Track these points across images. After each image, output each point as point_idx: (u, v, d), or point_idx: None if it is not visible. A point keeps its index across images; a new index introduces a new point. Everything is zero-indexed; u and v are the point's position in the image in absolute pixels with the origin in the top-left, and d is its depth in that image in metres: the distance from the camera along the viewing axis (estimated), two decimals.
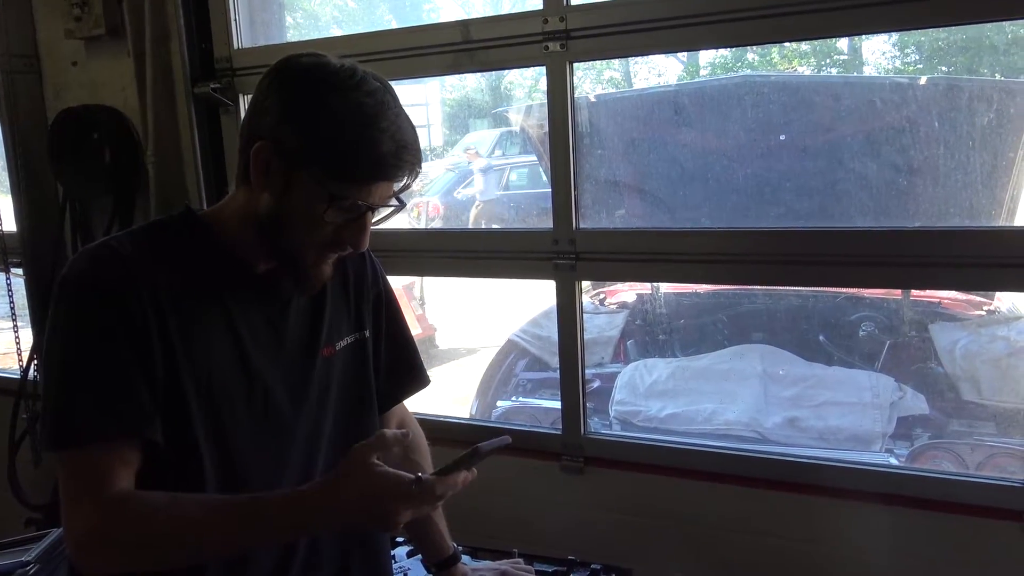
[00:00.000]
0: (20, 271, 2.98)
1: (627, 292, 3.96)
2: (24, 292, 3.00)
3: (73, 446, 1.16)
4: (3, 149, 2.92)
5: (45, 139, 2.78)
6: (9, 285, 3.03)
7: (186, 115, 2.61)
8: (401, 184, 1.21)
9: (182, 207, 1.31)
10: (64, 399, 1.16)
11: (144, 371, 1.16)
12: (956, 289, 2.96)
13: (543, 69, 2.13)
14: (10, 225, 2.97)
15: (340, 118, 1.13)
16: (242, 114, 2.62)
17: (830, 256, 1.96)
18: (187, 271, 1.23)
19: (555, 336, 2.27)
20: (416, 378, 1.57)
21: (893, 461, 2.71)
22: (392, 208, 1.23)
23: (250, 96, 2.64)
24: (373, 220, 1.23)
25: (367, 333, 1.45)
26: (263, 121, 1.18)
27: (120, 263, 1.18)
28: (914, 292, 3.33)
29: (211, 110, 2.64)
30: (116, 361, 1.15)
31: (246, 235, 1.24)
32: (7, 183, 2.95)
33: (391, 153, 1.14)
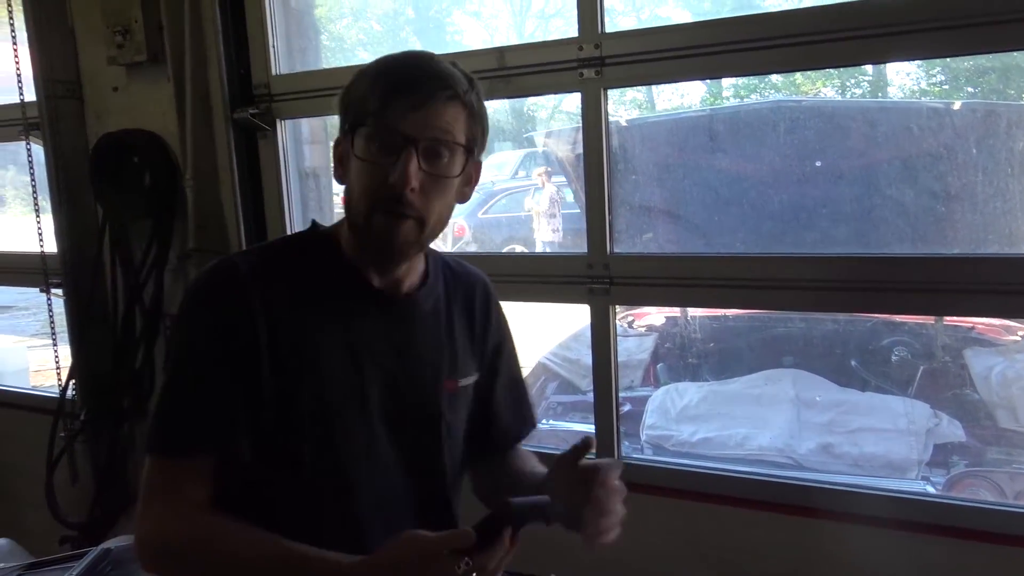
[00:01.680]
0: (60, 291, 3.03)
1: (656, 315, 3.95)
2: (64, 311, 3.05)
3: (158, 453, 1.22)
4: (45, 172, 2.98)
5: (86, 162, 2.83)
6: (49, 304, 3.09)
7: (224, 140, 2.66)
8: (426, 101, 1.18)
9: (309, 223, 1.36)
10: (162, 408, 1.23)
11: (244, 390, 1.20)
12: (996, 317, 2.92)
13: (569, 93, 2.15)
14: (51, 246, 3.03)
15: (368, 70, 1.22)
16: (280, 139, 2.67)
17: (867, 282, 1.95)
18: (308, 286, 1.26)
19: (585, 359, 2.27)
20: (531, 419, 1.57)
21: (930, 489, 2.67)
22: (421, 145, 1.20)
23: (287, 121, 2.69)
24: (434, 164, 1.21)
25: (480, 376, 1.44)
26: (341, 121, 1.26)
27: (237, 280, 1.22)
28: (948, 317, 3.30)
29: (249, 135, 2.68)
30: (214, 380, 1.20)
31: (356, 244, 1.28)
32: (48, 204, 3.01)
33: (398, 67, 1.21)
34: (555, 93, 2.21)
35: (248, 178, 2.70)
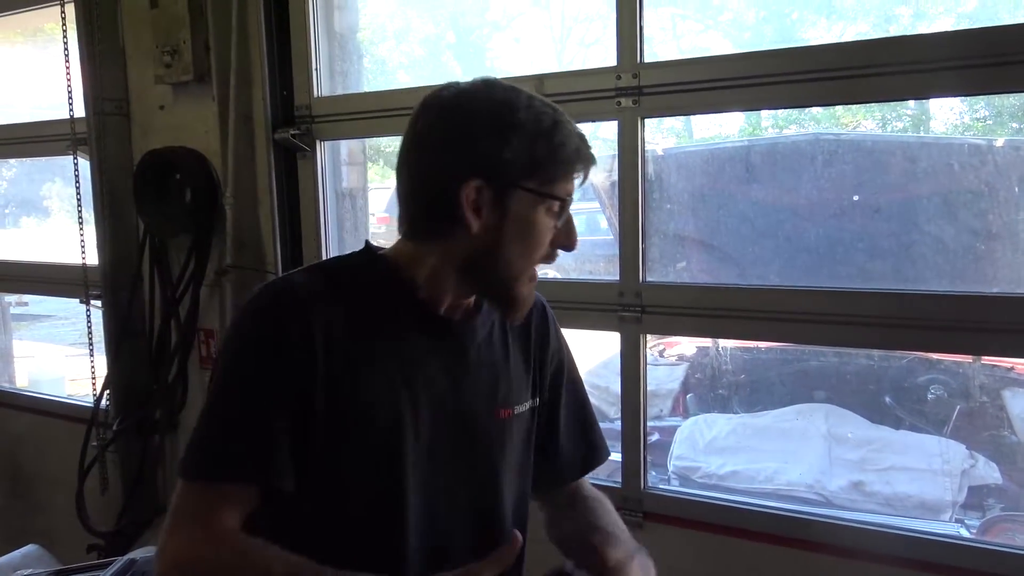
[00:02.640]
0: (99, 303, 3.09)
1: (687, 344, 3.93)
2: (102, 323, 3.11)
3: (197, 477, 1.17)
4: (91, 186, 3.05)
5: (130, 178, 2.90)
6: (88, 316, 3.15)
7: (264, 159, 2.71)
8: (587, 170, 1.23)
9: (362, 245, 1.31)
10: (206, 430, 1.19)
11: (295, 419, 1.16)
12: None
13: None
14: (93, 258, 3.10)
15: (532, 127, 1.16)
16: (319, 160, 2.71)
17: (903, 319, 1.93)
18: (365, 312, 1.22)
19: (614, 387, 2.26)
20: (597, 453, 1.48)
21: (964, 532, 2.61)
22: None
23: (327, 142, 2.73)
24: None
25: (539, 401, 1.39)
26: (455, 161, 1.17)
27: (299, 302, 1.18)
28: (986, 356, 3.24)
29: (289, 155, 2.73)
30: (265, 406, 1.15)
31: (438, 277, 1.23)
32: (91, 218, 3.08)
33: (580, 141, 1.20)
34: (593, 121, 2.22)
35: (286, 197, 2.74)
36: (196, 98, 2.79)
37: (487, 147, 1.15)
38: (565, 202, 1.20)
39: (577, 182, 1.22)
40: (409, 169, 1.21)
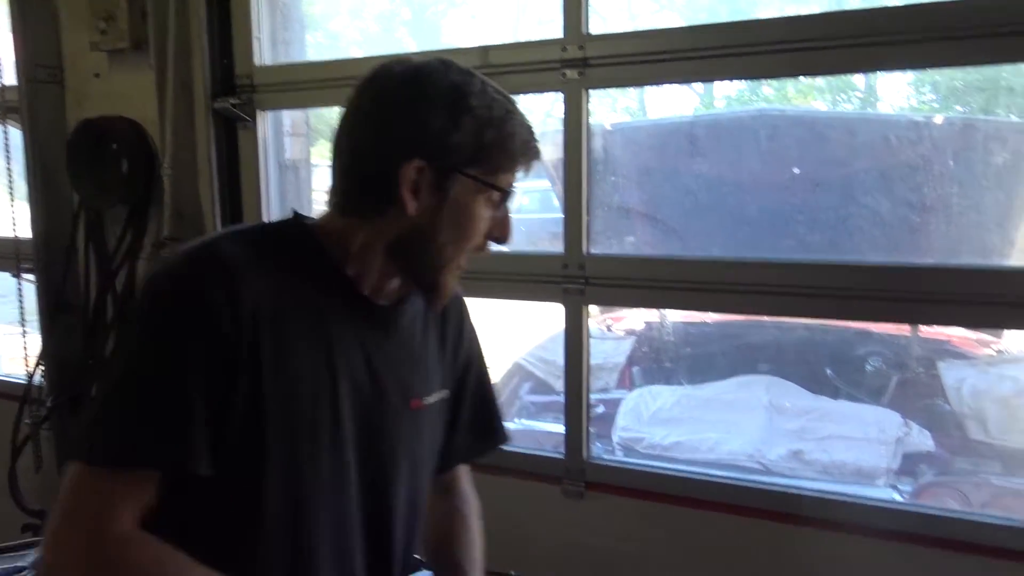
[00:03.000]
0: (32, 276, 3.00)
1: (634, 319, 3.96)
2: (35, 298, 3.02)
3: (95, 462, 1.05)
4: (23, 156, 2.95)
5: (64, 147, 2.81)
6: (20, 291, 3.05)
7: (204, 129, 2.64)
8: (530, 164, 1.21)
9: (290, 214, 1.24)
10: (109, 408, 1.09)
11: (211, 400, 1.07)
12: (966, 326, 2.95)
13: (558, 96, 2.15)
14: (25, 232, 3.00)
15: (483, 114, 1.13)
16: (260, 130, 2.65)
17: (840, 289, 1.96)
18: (295, 285, 1.15)
19: (561, 360, 2.27)
20: (495, 437, 1.48)
21: (897, 497, 2.69)
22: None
23: (269, 112, 2.68)
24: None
25: (447, 393, 1.36)
26: (397, 139, 1.12)
27: (223, 271, 1.09)
28: (923, 329, 3.33)
29: (229, 126, 2.67)
30: (179, 386, 1.06)
31: (367, 254, 1.17)
32: (24, 190, 2.98)
33: (529, 139, 1.17)
34: (537, 92, 2.21)
35: (227, 169, 2.68)
36: (133, 66, 2.70)
37: (435, 128, 1.11)
38: (506, 193, 1.17)
39: (520, 175, 1.20)
40: (350, 141, 1.16)
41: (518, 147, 1.16)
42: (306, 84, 2.55)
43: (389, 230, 1.16)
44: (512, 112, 1.16)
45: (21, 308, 3.08)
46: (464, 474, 1.50)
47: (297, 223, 1.22)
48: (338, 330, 1.18)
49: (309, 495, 1.16)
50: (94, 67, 2.79)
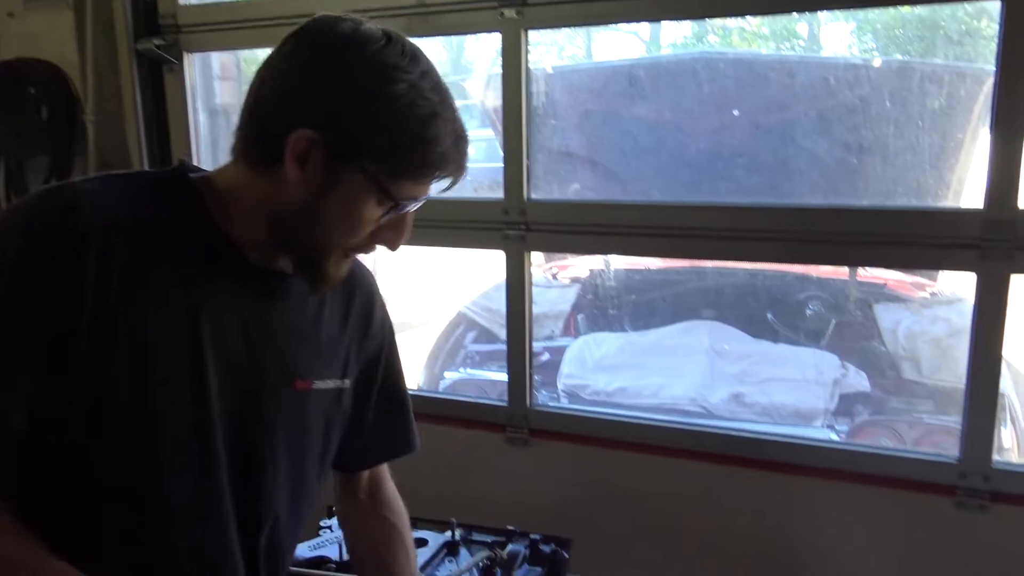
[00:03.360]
0: None
1: (579, 267, 3.95)
2: None
3: None
4: None
5: None
6: None
7: (128, 72, 2.53)
8: (451, 180, 1.06)
9: (177, 162, 1.12)
10: None
11: (45, 346, 0.97)
12: (901, 268, 3.00)
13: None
14: None
15: (404, 109, 0.98)
16: (187, 73, 2.55)
17: (779, 232, 1.97)
18: (160, 236, 1.03)
19: (504, 308, 2.25)
20: (404, 443, 1.37)
21: (834, 436, 2.75)
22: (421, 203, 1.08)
23: (196, 55, 2.57)
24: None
25: (347, 383, 1.24)
26: (302, 101, 1.00)
27: (71, 210, 0.98)
28: (860, 273, 3.38)
29: (154, 68, 2.55)
30: (8, 326, 0.96)
31: (249, 215, 1.05)
32: None
33: (452, 146, 1.02)
34: (475, 32, 2.15)
35: (154, 114, 2.58)
36: (50, 5, 2.58)
37: (344, 105, 0.98)
38: (400, 206, 1.03)
39: (435, 187, 1.06)
40: (262, 86, 1.04)
41: (434, 157, 1.01)
42: (235, 24, 2.44)
43: (276, 195, 1.03)
44: (440, 116, 1.00)
45: None
46: (385, 477, 1.40)
47: (179, 173, 1.09)
48: (210, 292, 1.06)
49: (161, 460, 1.04)
50: (7, 6, 2.65)
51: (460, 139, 1.03)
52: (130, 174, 1.11)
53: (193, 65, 2.56)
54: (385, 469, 1.40)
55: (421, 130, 0.99)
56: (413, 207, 1.05)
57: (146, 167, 2.56)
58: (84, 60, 2.53)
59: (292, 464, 1.17)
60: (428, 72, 1.01)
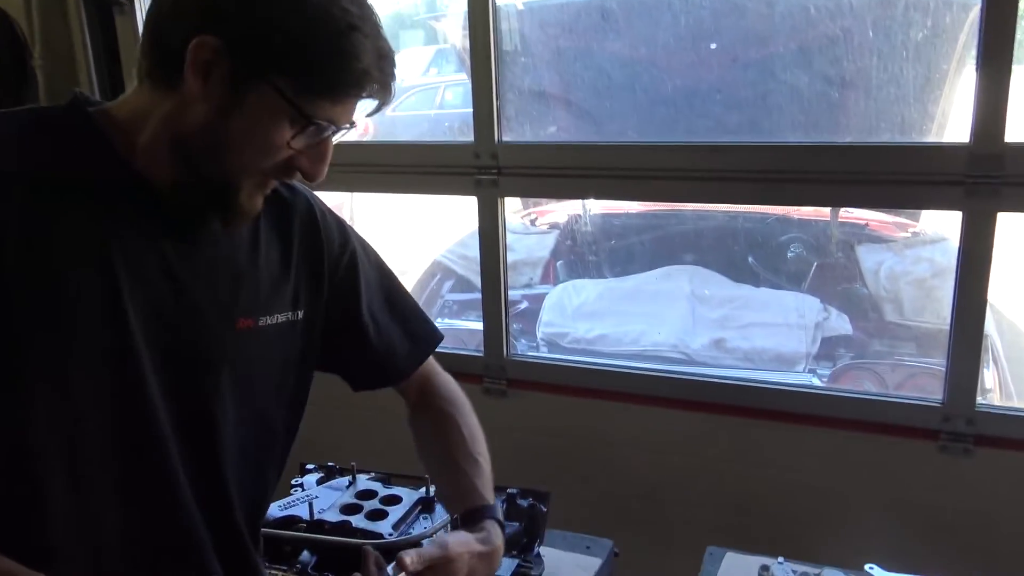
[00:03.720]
0: None
1: (558, 212, 3.88)
2: None
3: None
4: None
5: None
6: None
7: (76, 14, 2.40)
8: (376, 104, 0.98)
9: (70, 94, 1.00)
10: None
11: None
12: (885, 207, 2.94)
13: None
14: None
15: (318, 17, 0.90)
16: (139, 14, 2.42)
17: (760, 172, 1.90)
18: (59, 177, 0.93)
19: None
20: (427, 339, 1.33)
21: (816, 381, 2.71)
22: (346, 130, 0.98)
23: None
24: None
25: (300, 314, 1.15)
26: (204, 5, 0.90)
27: None
28: (842, 213, 3.32)
29: (104, 9, 2.43)
30: None
31: (155, 145, 0.96)
32: None
33: (374, 64, 0.93)
34: None
35: (105, 57, 2.45)
36: None
37: (250, 11, 0.89)
38: (319, 128, 0.94)
39: (359, 111, 0.97)
40: None
41: (353, 74, 0.92)
42: None
43: (179, 117, 0.94)
44: (359, 31, 0.91)
45: None
46: (433, 373, 1.37)
47: (74, 107, 0.98)
48: (125, 237, 0.96)
49: (84, 431, 0.95)
50: None
51: (384, 58, 0.94)
52: (16, 112, 0.99)
53: (144, 5, 2.43)
54: (430, 364, 1.36)
55: (337, 42, 0.91)
56: (333, 133, 0.96)
57: None
58: (29, 3, 2.39)
59: (247, 409, 1.10)
60: None
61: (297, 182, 1.10)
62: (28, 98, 2.48)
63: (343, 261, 1.22)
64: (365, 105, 0.98)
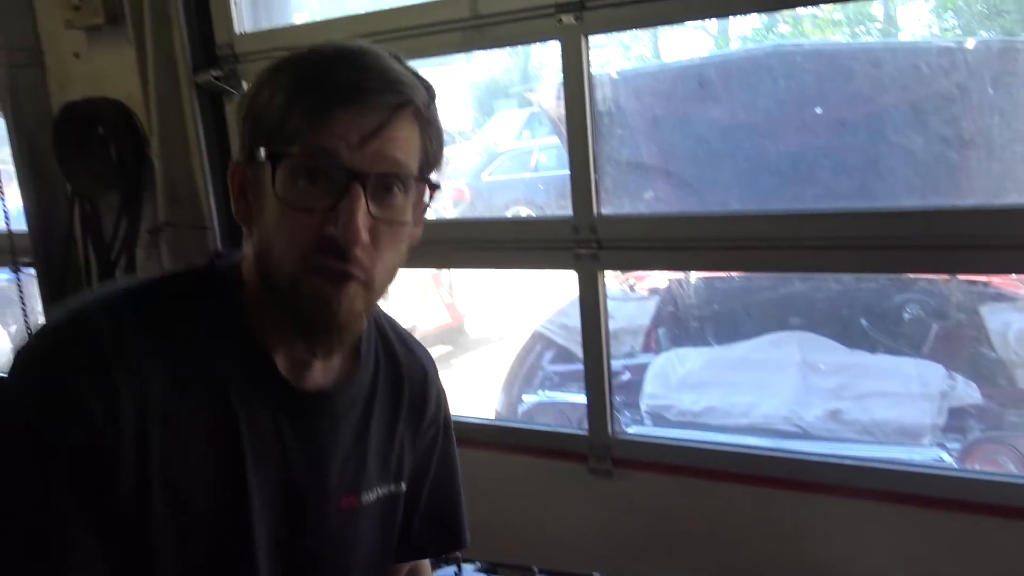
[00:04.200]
0: (32, 271, 2.92)
1: (657, 277, 3.82)
2: (37, 293, 2.94)
3: None
4: (9, 145, 2.86)
5: (50, 134, 2.70)
6: (19, 284, 2.97)
7: (189, 105, 2.52)
8: (376, 124, 0.87)
9: (207, 259, 0.99)
10: None
11: (96, 522, 0.86)
12: (1017, 273, 2.76)
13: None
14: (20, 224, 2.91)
15: (286, 75, 0.89)
16: None
17: (874, 239, 1.80)
18: (192, 365, 0.92)
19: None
20: (454, 539, 1.26)
21: (945, 457, 2.53)
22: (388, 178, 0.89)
23: None
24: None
25: (403, 486, 1.12)
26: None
27: (98, 358, 0.86)
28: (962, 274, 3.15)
29: (215, 99, 2.54)
30: (53, 510, 0.85)
31: (259, 297, 0.95)
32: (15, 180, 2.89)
33: (328, 67, 0.88)
34: (533, 42, 2.05)
35: (216, 146, 2.56)
36: (112, 42, 2.58)
37: (247, 111, 0.91)
38: (298, 158, 0.86)
39: (363, 140, 0.86)
40: None
41: (324, 95, 0.86)
42: (289, 51, 2.40)
43: (252, 248, 0.95)
44: (340, 57, 0.89)
45: (22, 301, 3.00)
46: (425, 566, 1.30)
47: (210, 274, 0.98)
48: (250, 417, 0.94)
49: None
50: (73, 46, 2.68)
51: (306, 78, 0.88)
52: (153, 287, 0.98)
53: None
54: (425, 562, 1.29)
55: (273, 90, 0.88)
56: (351, 178, 0.85)
57: (212, 200, 2.54)
58: (147, 96, 2.52)
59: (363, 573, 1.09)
60: (340, 43, 0.91)
61: (417, 347, 1.11)
62: (147, 186, 2.60)
63: (435, 431, 1.18)
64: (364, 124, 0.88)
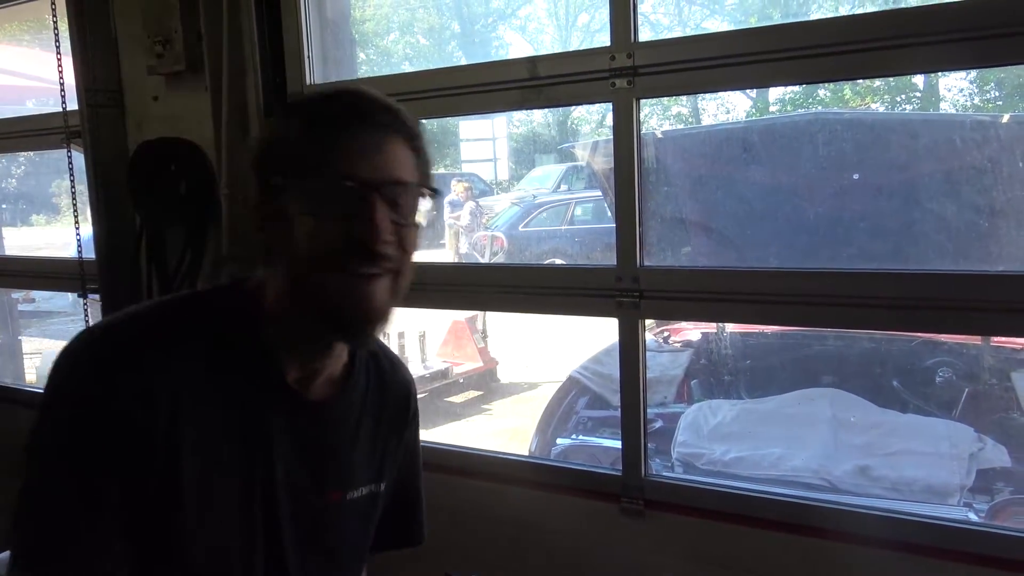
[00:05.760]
0: (98, 296, 3.07)
1: (692, 330, 3.89)
2: (101, 317, 3.08)
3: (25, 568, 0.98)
4: (86, 179, 3.03)
5: (125, 170, 2.87)
6: (86, 310, 3.13)
7: None
8: (379, 137, 1.01)
9: (228, 278, 1.14)
10: (27, 518, 0.99)
11: (131, 506, 0.99)
12: None
13: (609, 105, 2.12)
14: (90, 253, 3.07)
15: (315, 113, 1.02)
16: None
17: (905, 300, 1.88)
18: (214, 370, 1.04)
19: (617, 373, 2.23)
20: (410, 536, 1.39)
21: (972, 516, 2.57)
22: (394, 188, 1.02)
23: None
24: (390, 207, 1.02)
25: (382, 487, 1.26)
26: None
27: (134, 362, 0.99)
28: (995, 338, 3.19)
29: None
30: (96, 495, 0.97)
31: (279, 318, 1.07)
32: (87, 212, 3.05)
33: (352, 104, 1.02)
34: (587, 103, 2.19)
35: None
36: (190, 88, 2.75)
37: (264, 157, 1.06)
38: (327, 174, 0.98)
39: (371, 156, 1.00)
40: None
41: (337, 112, 1.00)
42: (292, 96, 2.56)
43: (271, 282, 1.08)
44: (357, 99, 1.02)
45: (88, 325, 3.14)
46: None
47: (230, 294, 1.11)
48: (263, 419, 1.08)
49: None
50: (152, 90, 2.85)
51: (316, 114, 1.02)
52: (184, 302, 1.13)
53: None
54: None
55: (287, 133, 1.03)
56: (369, 191, 0.99)
57: None
58: (219, 138, 2.68)
59: (342, 569, 1.21)
60: (349, 87, 1.05)
61: (401, 367, 1.28)
62: (214, 222, 2.75)
63: (411, 447, 1.33)
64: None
